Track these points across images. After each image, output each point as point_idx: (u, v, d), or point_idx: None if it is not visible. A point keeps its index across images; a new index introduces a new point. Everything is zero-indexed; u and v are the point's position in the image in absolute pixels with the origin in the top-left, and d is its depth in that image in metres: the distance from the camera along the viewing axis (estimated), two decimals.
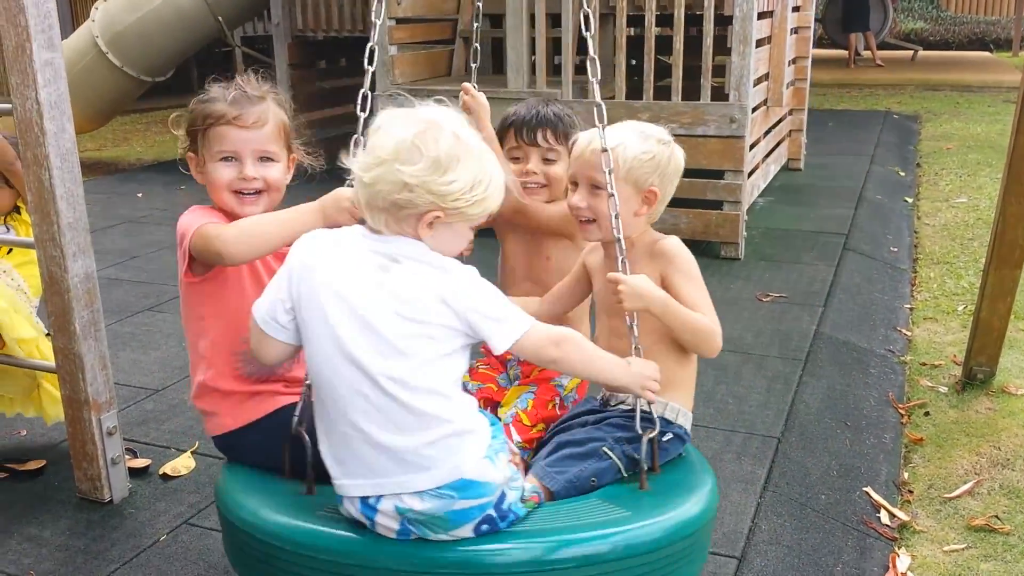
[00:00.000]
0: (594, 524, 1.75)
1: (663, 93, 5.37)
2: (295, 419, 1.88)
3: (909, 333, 4.31)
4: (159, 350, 4.05)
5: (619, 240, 1.93)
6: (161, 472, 2.99)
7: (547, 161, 2.37)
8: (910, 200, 6.89)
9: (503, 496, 1.70)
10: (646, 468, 1.90)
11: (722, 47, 5.68)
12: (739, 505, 2.75)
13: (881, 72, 15.30)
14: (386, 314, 1.62)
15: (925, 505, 2.89)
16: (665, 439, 1.98)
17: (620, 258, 1.92)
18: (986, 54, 18.61)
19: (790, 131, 7.60)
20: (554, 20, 5.70)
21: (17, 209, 3.11)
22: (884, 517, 2.81)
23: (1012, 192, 3.35)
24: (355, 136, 1.92)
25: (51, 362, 2.79)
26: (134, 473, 2.95)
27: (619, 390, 2.02)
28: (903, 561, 2.58)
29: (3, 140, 2.92)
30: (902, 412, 3.51)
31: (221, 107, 2.01)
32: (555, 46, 5.88)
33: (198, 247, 1.94)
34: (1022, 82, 3.27)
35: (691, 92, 5.22)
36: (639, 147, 2.00)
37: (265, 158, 2.04)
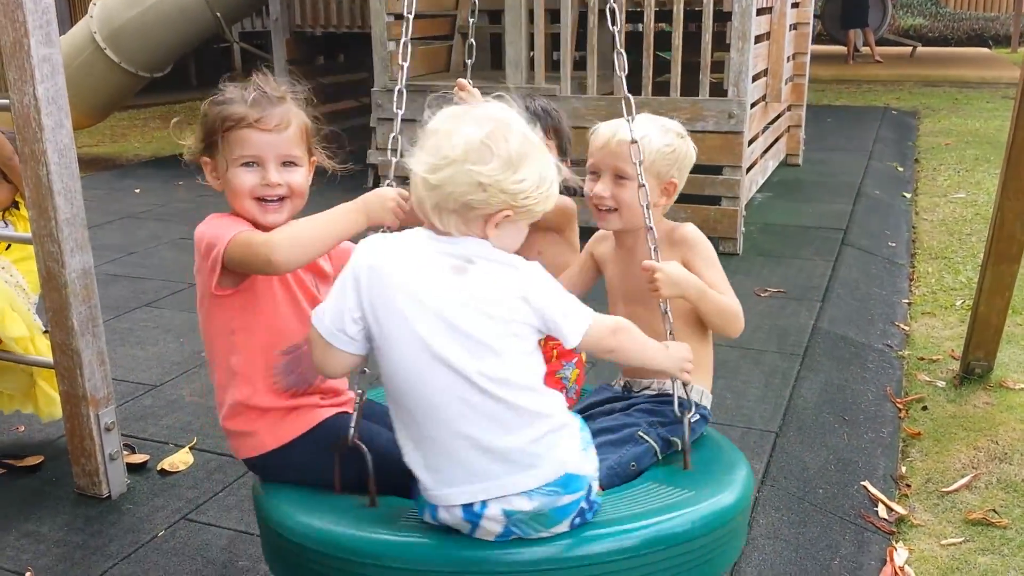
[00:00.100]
0: (670, 506, 1.78)
1: (662, 89, 5.37)
2: (351, 431, 1.81)
3: (907, 328, 4.31)
4: (157, 346, 4.05)
5: (651, 229, 1.97)
6: (159, 468, 2.99)
7: None
8: (908, 196, 6.89)
9: (590, 487, 1.71)
10: (687, 449, 1.96)
11: (721, 43, 5.68)
12: None
13: (880, 68, 15.29)
14: (473, 315, 1.60)
15: (923, 499, 2.90)
16: (694, 420, 2.04)
17: (652, 247, 1.97)
18: (985, 50, 18.61)
19: (789, 127, 7.60)
20: (553, 16, 5.70)
21: (16, 205, 3.11)
22: (882, 511, 2.81)
23: (1010, 188, 3.35)
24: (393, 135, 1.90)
25: (48, 358, 2.79)
26: (132, 469, 2.95)
27: (656, 374, 2.08)
28: (900, 555, 2.58)
29: (1, 136, 2.91)
30: (900, 407, 3.51)
31: (241, 109, 1.89)
32: (554, 42, 5.88)
33: (238, 256, 1.81)
34: (1021, 78, 3.27)
35: (690, 88, 5.22)
36: (661, 140, 2.07)
37: (288, 163, 1.92)
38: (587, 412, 2.14)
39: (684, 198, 2.11)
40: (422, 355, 1.60)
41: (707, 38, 5.20)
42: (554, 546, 1.65)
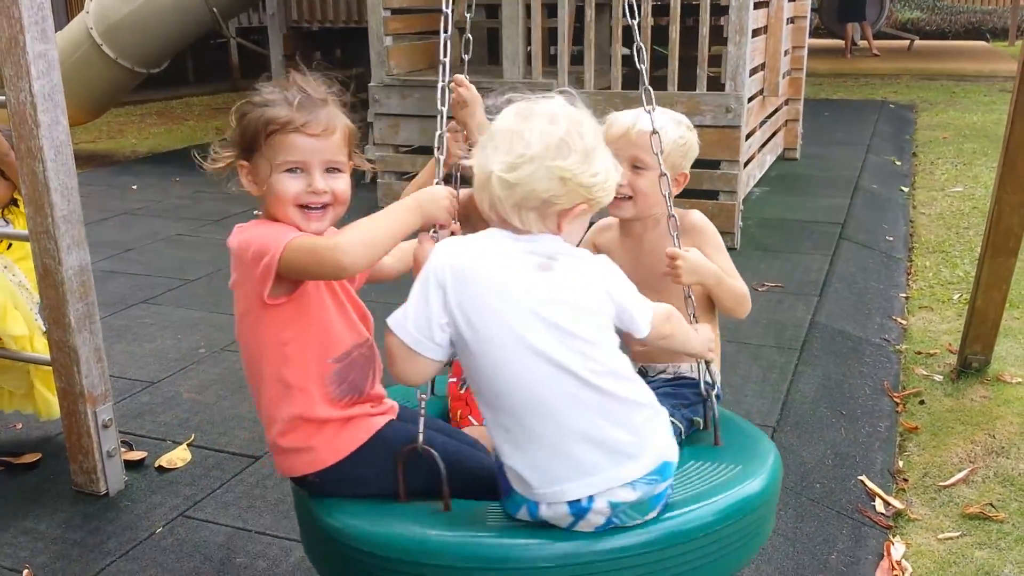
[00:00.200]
0: (726, 484, 1.82)
1: (659, 83, 5.35)
2: (420, 437, 1.77)
3: (904, 322, 4.32)
4: (154, 343, 4.05)
5: (672, 217, 2.04)
6: (157, 465, 2.99)
7: None
8: (906, 189, 6.89)
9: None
10: (717, 426, 2.03)
11: (718, 37, 5.67)
12: None
13: (877, 62, 15.28)
14: (567, 311, 1.61)
15: (920, 493, 2.90)
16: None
17: (675, 234, 2.04)
18: (982, 43, 18.60)
19: (786, 121, 7.60)
20: (550, 10, 5.69)
21: (15, 202, 3.10)
22: (879, 505, 2.82)
23: (1007, 181, 3.35)
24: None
25: (45, 355, 2.79)
26: (130, 466, 2.95)
27: (670, 358, 2.16)
28: (898, 549, 2.58)
29: None
30: (897, 401, 3.52)
31: (285, 112, 1.79)
32: (550, 36, 5.87)
33: (300, 262, 1.72)
34: (1018, 71, 3.26)
35: (687, 82, 5.22)
36: (676, 132, 2.16)
37: (333, 169, 1.83)
38: None
39: (681, 192, 2.15)
40: (525, 354, 1.59)
41: (704, 32, 5.20)
42: (647, 531, 1.68)
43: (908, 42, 17.65)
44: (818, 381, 3.58)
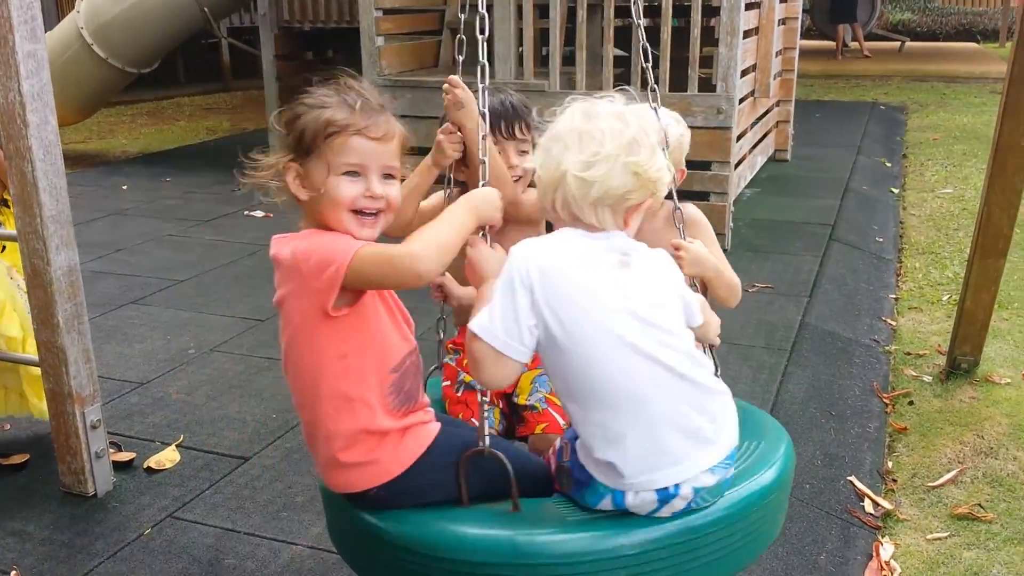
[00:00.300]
0: (757, 464, 1.86)
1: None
2: (487, 440, 1.76)
3: (894, 323, 4.33)
4: (143, 343, 4.04)
5: (678, 209, 2.10)
6: (146, 466, 2.98)
7: (522, 153, 2.37)
8: (896, 191, 6.92)
9: None
10: None
11: (709, 38, 5.68)
12: None
13: (868, 63, 15.33)
14: (651, 305, 1.67)
15: (909, 494, 2.91)
16: None
17: (679, 227, 2.11)
18: (973, 45, 18.68)
19: (777, 122, 7.62)
20: (541, 11, 5.69)
21: (6, 202, 3.09)
22: (868, 506, 2.83)
23: (996, 182, 3.36)
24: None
25: (34, 356, 2.77)
26: (118, 467, 2.94)
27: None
28: (887, 549, 2.59)
29: None
30: (886, 401, 3.53)
31: (346, 114, 1.75)
32: (542, 37, 5.87)
33: (373, 272, 1.69)
34: (1008, 73, 3.28)
35: (678, 83, 5.23)
36: (677, 130, 2.22)
37: (388, 175, 1.80)
38: None
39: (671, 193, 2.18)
40: (619, 349, 1.63)
41: (695, 33, 5.20)
42: (713, 512, 1.73)
43: (899, 44, 17.71)
44: (808, 382, 3.59)
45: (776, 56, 6.63)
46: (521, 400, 2.29)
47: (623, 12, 5.90)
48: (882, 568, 2.52)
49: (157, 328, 4.21)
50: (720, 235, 5.22)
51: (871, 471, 3.04)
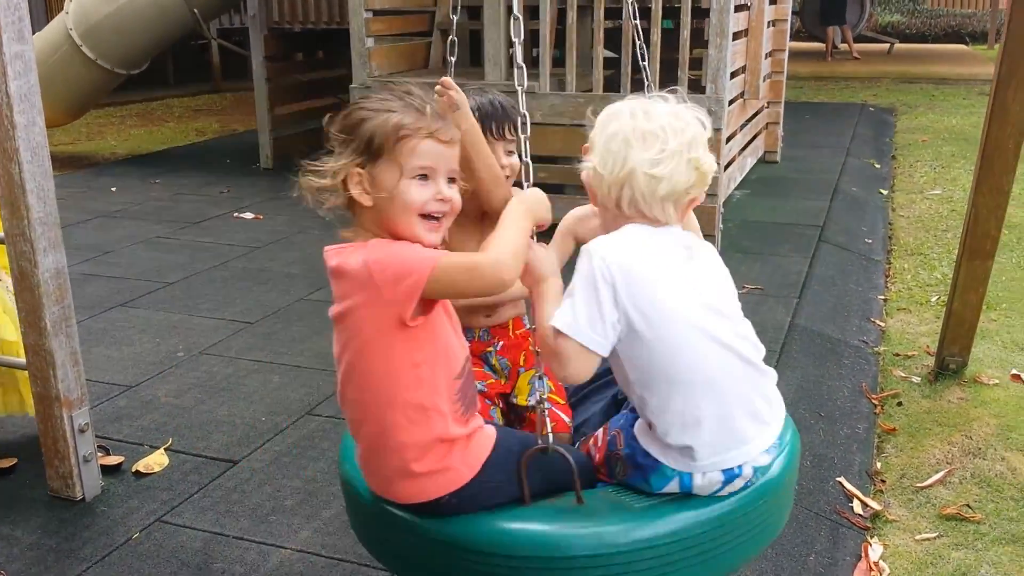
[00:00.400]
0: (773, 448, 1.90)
1: (640, 86, 5.37)
2: (549, 438, 1.77)
3: (883, 324, 4.34)
4: (132, 346, 4.02)
5: None
6: (134, 469, 2.97)
7: (509, 153, 2.37)
8: (885, 192, 6.94)
9: None
10: None
11: (699, 40, 5.69)
12: None
13: (858, 65, 15.39)
14: (719, 295, 1.78)
15: (897, 494, 2.92)
16: None
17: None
18: (962, 47, 18.76)
19: (767, 124, 7.64)
20: (532, 12, 5.69)
21: None
22: (857, 507, 2.83)
23: (984, 184, 3.38)
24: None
25: (22, 359, 2.76)
26: (107, 470, 2.92)
27: None
28: (875, 550, 2.60)
29: None
30: (875, 402, 3.54)
31: (416, 118, 1.74)
32: (532, 39, 5.87)
33: (456, 281, 1.69)
34: (995, 75, 3.29)
35: (668, 85, 5.22)
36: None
37: (452, 179, 1.80)
38: (590, 388, 2.24)
39: None
40: (701, 339, 1.71)
41: (685, 34, 5.21)
42: (758, 490, 1.80)
43: (888, 45, 17.78)
44: (797, 383, 3.60)
45: (766, 58, 6.65)
46: (520, 400, 2.30)
47: (612, 14, 5.91)
48: (871, 569, 2.52)
49: (146, 331, 4.19)
50: (710, 236, 5.25)
51: (860, 472, 3.04)
